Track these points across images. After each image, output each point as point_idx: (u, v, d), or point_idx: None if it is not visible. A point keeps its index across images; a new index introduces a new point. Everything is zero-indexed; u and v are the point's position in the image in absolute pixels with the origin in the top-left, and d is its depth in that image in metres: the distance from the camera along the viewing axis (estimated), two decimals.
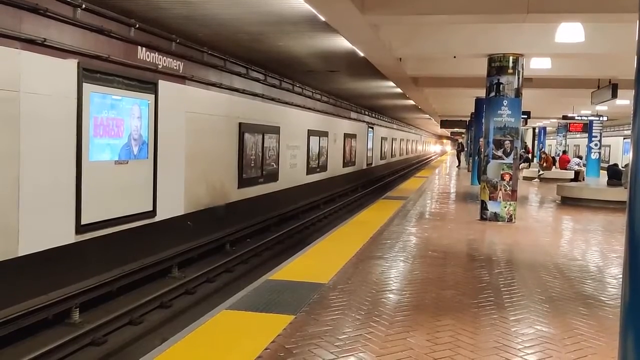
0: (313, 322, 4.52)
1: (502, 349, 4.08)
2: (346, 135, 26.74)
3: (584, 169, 25.00)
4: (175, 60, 10.71)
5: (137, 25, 9.23)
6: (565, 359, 3.96)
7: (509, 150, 10.64)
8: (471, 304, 5.20)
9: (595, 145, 27.58)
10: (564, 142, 35.19)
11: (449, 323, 4.61)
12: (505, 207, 10.68)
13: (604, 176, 19.83)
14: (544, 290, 5.78)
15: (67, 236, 8.14)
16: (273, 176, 16.58)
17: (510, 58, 10.41)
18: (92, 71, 8.46)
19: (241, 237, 13.23)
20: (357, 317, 4.70)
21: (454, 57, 11.50)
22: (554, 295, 5.61)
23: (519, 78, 10.52)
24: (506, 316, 4.86)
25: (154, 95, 10.09)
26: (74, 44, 8.06)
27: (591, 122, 26.43)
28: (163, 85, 10.34)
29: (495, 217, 10.69)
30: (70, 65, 8.05)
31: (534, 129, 41.56)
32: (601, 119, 25.24)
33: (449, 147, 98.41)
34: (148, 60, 9.84)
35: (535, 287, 5.92)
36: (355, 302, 5.13)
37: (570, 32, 8.47)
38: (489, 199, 10.75)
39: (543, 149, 35.06)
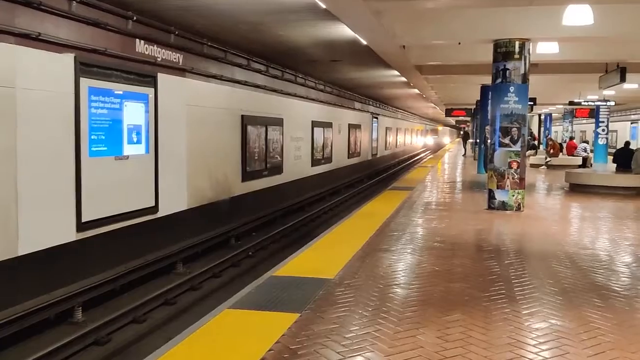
0: (319, 320, 4.37)
1: (516, 345, 3.91)
2: (351, 126, 26.52)
3: (591, 154, 24.76)
4: (174, 53, 10.53)
5: (135, 18, 9.04)
6: (582, 355, 3.78)
7: (516, 138, 10.43)
8: (482, 297, 5.03)
9: (603, 130, 27.30)
10: (570, 128, 34.91)
11: (459, 318, 4.44)
12: (513, 195, 10.50)
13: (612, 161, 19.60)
14: (556, 281, 5.61)
15: (68, 234, 8.01)
16: (277, 169, 16.41)
17: (517, 43, 10.18)
18: (90, 65, 8.29)
19: (246, 231, 13.10)
20: (365, 314, 4.54)
21: (459, 43, 11.29)
22: (567, 287, 5.44)
23: (525, 63, 10.30)
24: (518, 310, 4.69)
25: (153, 89, 9.91)
26: (70, 37, 7.88)
27: (598, 107, 26.16)
28: (162, 78, 10.16)
29: (503, 206, 10.51)
30: (66, 60, 7.89)
31: (539, 115, 41.22)
32: (608, 104, 24.96)
33: (447, 138, 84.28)
34: (146, 53, 9.66)
35: (547, 278, 5.75)
36: (362, 298, 4.97)
37: (578, 14, 8.24)
38: (497, 188, 10.56)
39: (549, 136, 34.81)
